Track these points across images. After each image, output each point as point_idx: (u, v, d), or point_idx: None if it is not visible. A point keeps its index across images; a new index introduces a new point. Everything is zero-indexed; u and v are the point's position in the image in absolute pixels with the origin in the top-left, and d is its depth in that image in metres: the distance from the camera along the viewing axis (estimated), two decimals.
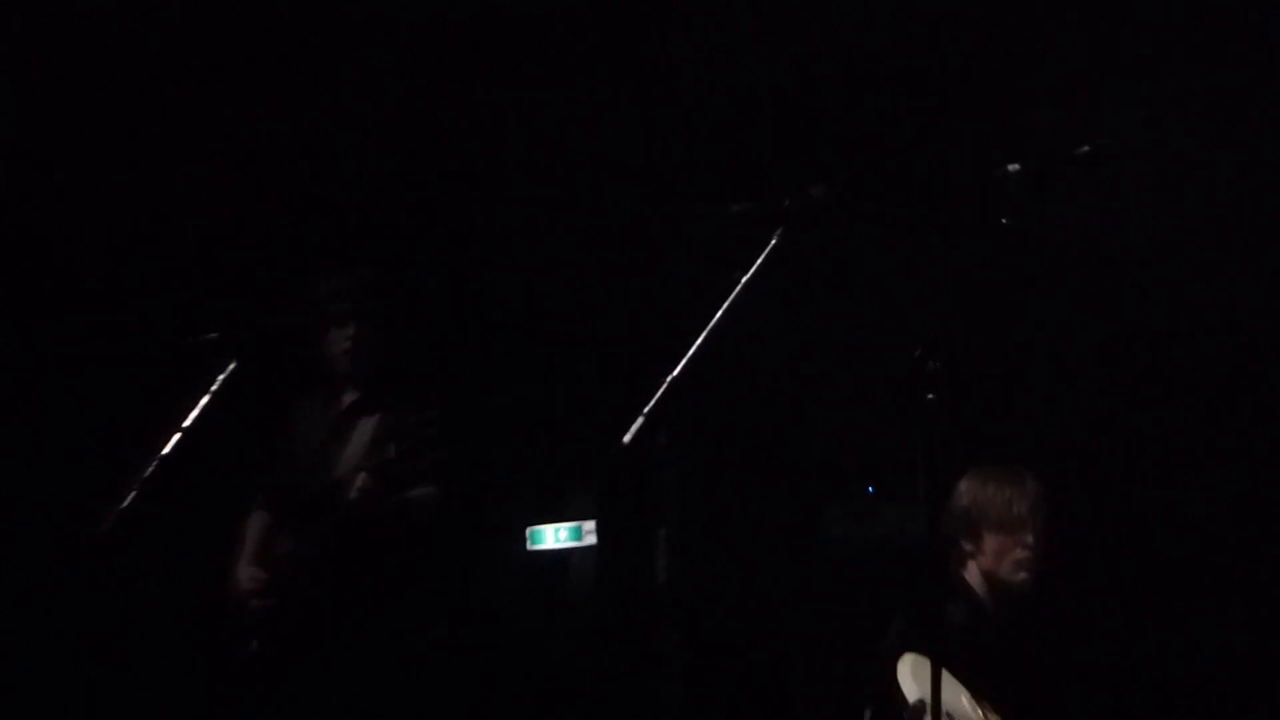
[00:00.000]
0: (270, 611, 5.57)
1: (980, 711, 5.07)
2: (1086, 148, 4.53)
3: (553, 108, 6.77)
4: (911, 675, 4.89)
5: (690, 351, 4.25)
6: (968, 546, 5.17)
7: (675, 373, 4.27)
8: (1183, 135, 6.08)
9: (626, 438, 4.22)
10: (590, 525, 6.61)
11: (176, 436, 4.87)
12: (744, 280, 4.34)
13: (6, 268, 6.92)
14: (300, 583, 5.55)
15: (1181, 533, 6.32)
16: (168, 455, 4.85)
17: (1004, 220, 4.58)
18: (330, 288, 5.86)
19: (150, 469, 4.80)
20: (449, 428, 5.58)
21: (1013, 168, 4.50)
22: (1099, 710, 5.43)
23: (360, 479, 5.52)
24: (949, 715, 4.85)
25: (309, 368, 5.81)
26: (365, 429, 5.74)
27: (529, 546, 6.87)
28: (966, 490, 5.19)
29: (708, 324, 4.35)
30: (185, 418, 4.95)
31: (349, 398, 5.79)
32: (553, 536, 6.81)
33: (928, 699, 4.58)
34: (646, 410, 4.24)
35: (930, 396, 4.19)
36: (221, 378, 5.07)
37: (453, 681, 6.21)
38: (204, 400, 4.99)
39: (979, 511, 5.18)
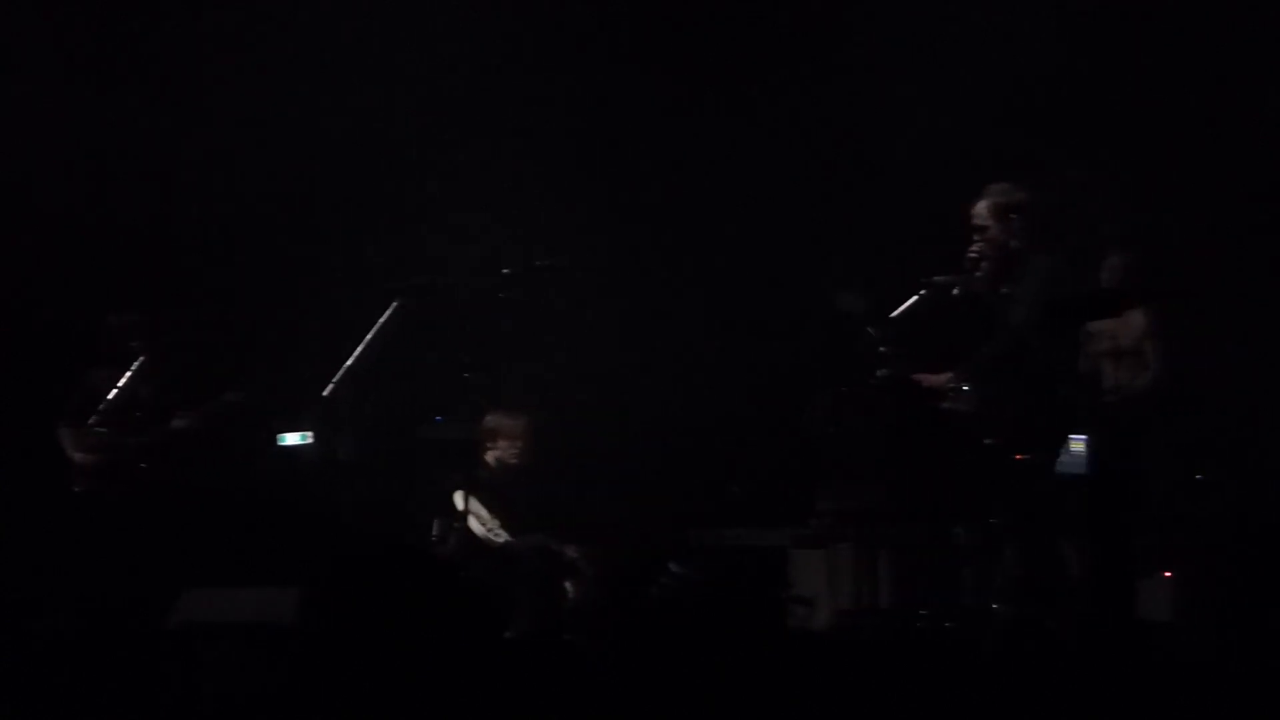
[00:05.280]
0: None
1: (495, 521, 10.79)
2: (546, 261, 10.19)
3: None
4: (461, 498, 10.60)
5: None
6: (489, 444, 10.86)
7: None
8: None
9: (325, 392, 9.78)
10: (310, 434, 10.92)
11: None
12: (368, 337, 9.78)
13: None
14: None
15: None
16: None
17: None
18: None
19: None
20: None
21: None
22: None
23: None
24: (475, 514, 10.61)
25: None
26: None
27: (278, 444, 11.73)
28: (491, 419, 10.89)
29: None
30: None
31: None
32: (292, 439, 12.12)
33: (469, 507, 10.35)
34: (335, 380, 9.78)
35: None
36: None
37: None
38: None
39: (498, 428, 10.93)
